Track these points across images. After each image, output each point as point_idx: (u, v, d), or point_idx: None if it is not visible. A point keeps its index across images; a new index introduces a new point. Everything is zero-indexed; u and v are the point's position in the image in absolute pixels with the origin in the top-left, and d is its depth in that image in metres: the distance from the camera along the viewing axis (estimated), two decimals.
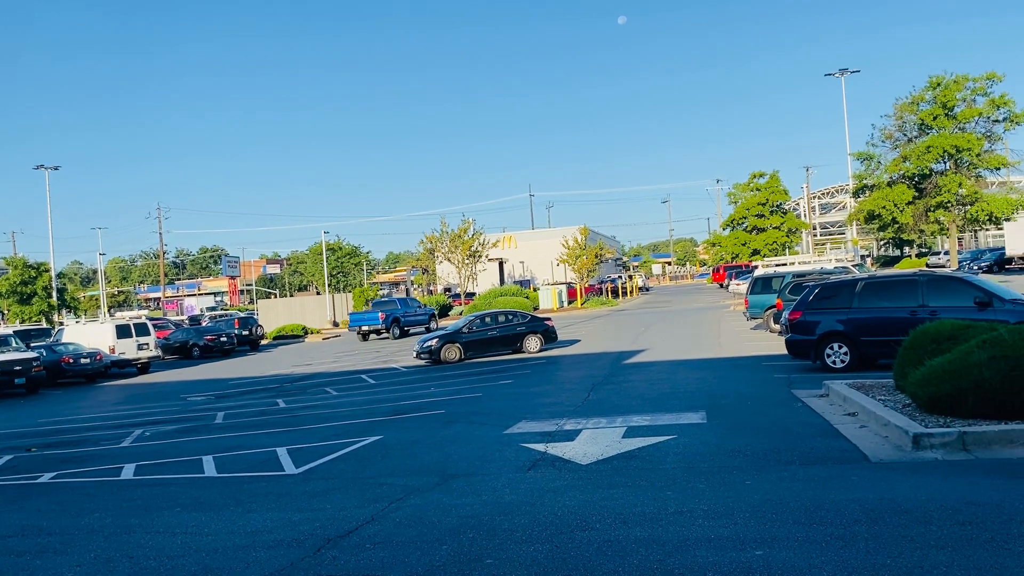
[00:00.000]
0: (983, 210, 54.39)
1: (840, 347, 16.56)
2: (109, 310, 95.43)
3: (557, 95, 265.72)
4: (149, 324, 37.32)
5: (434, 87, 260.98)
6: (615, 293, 68.49)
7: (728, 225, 79.83)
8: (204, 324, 52.00)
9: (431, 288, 78.29)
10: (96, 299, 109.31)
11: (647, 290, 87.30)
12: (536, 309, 54.59)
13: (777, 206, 76.05)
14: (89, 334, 34.78)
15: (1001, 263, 55.34)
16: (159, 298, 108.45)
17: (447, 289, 74.56)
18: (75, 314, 71.30)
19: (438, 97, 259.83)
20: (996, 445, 8.92)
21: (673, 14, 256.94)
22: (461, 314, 49.91)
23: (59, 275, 79.68)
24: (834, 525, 6.64)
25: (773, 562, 5.89)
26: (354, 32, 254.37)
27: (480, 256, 63.54)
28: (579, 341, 30.60)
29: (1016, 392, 9.28)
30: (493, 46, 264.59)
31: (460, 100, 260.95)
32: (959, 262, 57.82)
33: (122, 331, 34.61)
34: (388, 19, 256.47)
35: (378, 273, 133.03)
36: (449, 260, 64.11)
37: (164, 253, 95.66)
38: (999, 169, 56.36)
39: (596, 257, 67.00)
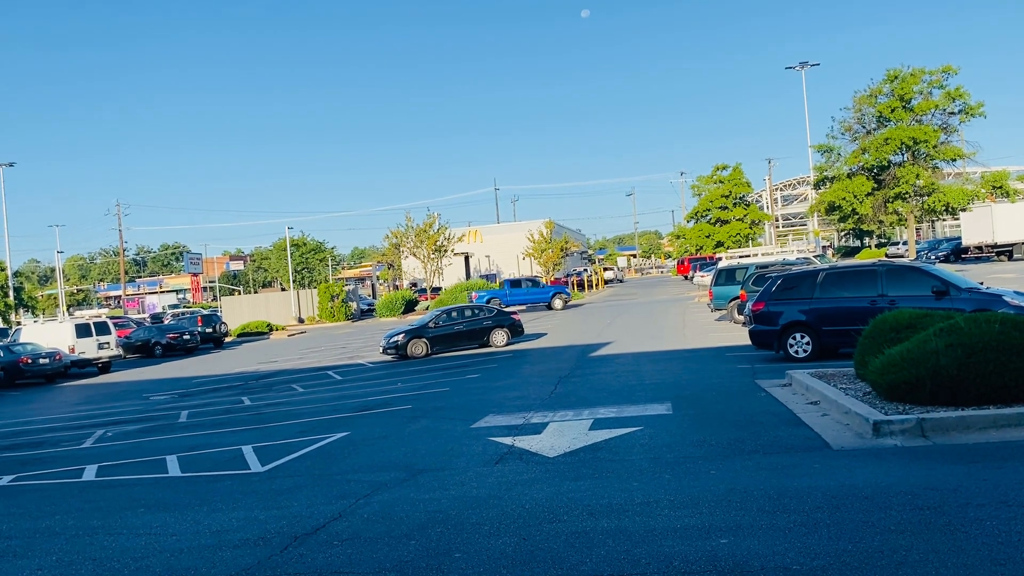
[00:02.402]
0: (940, 201, 55.40)
1: (802, 337, 16.79)
2: (68, 309, 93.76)
3: (522, 90, 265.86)
4: (109, 323, 36.77)
5: (399, 82, 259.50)
6: (581, 286, 68.75)
7: (692, 217, 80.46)
8: (166, 322, 51.33)
9: (397, 283, 77.97)
10: (54, 298, 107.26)
11: (621, 281, 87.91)
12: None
13: (740, 198, 76.78)
14: (48, 334, 34.17)
15: (958, 252, 56.47)
16: (119, 296, 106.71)
17: (413, 284, 74.27)
18: (33, 313, 69.95)
19: (402, 92, 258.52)
20: (953, 431, 9.12)
21: (636, 12, 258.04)
22: (427, 309, 49.80)
23: (15, 274, 78.06)
24: (797, 512, 6.75)
25: (738, 550, 5.97)
26: (318, 28, 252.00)
27: (446, 251, 63.36)
28: (545, 334, 30.69)
29: (972, 379, 9.48)
30: (458, 42, 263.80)
31: (424, 95, 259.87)
32: (917, 252, 58.90)
33: (82, 330, 34.05)
34: (353, 16, 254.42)
35: (343, 269, 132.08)
36: (415, 255, 63.82)
37: (124, 250, 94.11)
38: (955, 160, 57.45)
39: (562, 250, 67.18)
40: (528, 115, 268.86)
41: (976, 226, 53.68)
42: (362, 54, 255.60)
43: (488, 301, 47.19)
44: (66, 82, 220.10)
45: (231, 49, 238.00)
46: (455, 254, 68.24)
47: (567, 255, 72.07)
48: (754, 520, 6.66)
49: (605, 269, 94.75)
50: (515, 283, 49.34)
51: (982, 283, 17.34)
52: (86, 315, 39.19)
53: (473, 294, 49.09)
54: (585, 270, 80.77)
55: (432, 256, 62.31)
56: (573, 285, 67.24)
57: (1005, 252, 51.54)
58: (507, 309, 46.74)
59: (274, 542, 7.32)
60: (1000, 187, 56.91)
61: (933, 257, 55.19)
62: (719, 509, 7.08)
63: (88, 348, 33.82)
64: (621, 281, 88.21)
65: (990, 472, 7.53)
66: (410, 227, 63.48)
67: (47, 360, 31.35)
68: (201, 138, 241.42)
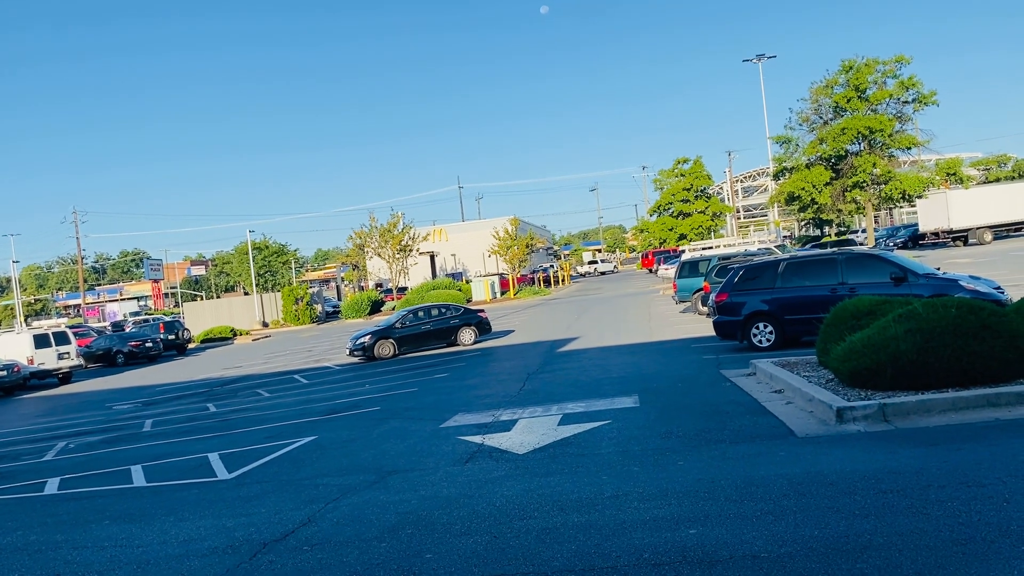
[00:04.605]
0: (896, 188, 56.29)
1: (765, 327, 16.98)
2: (26, 319, 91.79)
3: (482, 88, 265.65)
4: (69, 332, 36.08)
5: (358, 82, 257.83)
6: (547, 282, 68.90)
7: (655, 211, 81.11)
8: (128, 330, 50.52)
9: (362, 284, 77.47)
10: (11, 308, 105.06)
11: (615, 271, 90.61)
12: (469, 301, 54.57)
13: (701, 191, 77.54)
14: (5, 345, 33.43)
15: (915, 239, 57.49)
16: (79, 305, 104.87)
17: (379, 284, 73.89)
18: None
19: (362, 91, 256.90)
20: (914, 415, 9.28)
21: (594, 7, 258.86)
22: (394, 309, 49.60)
23: None
24: (764, 500, 6.83)
25: (707, 540, 6.03)
26: (273, 30, 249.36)
27: (411, 250, 63.09)
28: (513, 331, 30.71)
29: (931, 363, 9.66)
30: (416, 40, 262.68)
31: (384, 94, 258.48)
32: (876, 239, 59.83)
33: (40, 341, 33.40)
34: (310, 17, 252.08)
35: (307, 271, 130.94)
36: (379, 255, 63.48)
37: (82, 258, 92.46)
38: (910, 149, 58.35)
39: (527, 247, 67.22)
40: (489, 112, 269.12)
41: (932, 213, 54.68)
42: (321, 55, 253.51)
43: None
44: (18, 88, 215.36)
45: (187, 56, 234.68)
46: (420, 253, 68.02)
47: (533, 251, 72.17)
48: (722, 509, 6.73)
49: (591, 263, 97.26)
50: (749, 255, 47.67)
51: (939, 268, 17.67)
52: (44, 325, 38.33)
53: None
54: (551, 266, 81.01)
55: (397, 256, 62.02)
56: (540, 281, 67.41)
57: (961, 237, 52.57)
58: None
59: (243, 549, 7.24)
60: (954, 174, 57.98)
61: (891, 244, 56.17)
62: (687, 500, 7.14)
63: (47, 359, 33.18)
64: (615, 271, 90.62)
65: (950, 454, 7.67)
66: (374, 227, 63.14)
67: (4, 372, 30.68)
68: (159, 143, 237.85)
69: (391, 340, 26.34)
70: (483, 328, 27.65)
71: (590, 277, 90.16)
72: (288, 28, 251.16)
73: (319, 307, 61.39)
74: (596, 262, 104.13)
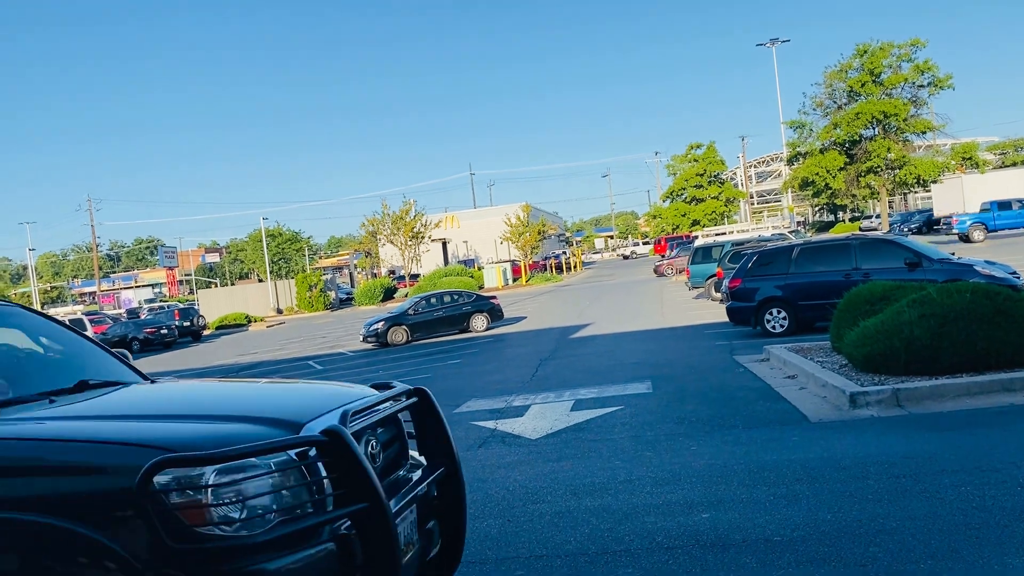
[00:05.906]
0: (911, 173, 55.94)
1: (779, 312, 16.94)
2: (42, 307, 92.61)
3: (494, 72, 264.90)
4: (85, 319, 36.51)
5: (369, 68, 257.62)
6: (559, 269, 68.87)
7: (668, 197, 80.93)
8: (143, 317, 50.88)
9: (375, 271, 77.69)
10: (28, 296, 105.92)
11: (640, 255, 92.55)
12: (481, 288, 54.63)
13: (715, 176, 77.28)
14: None
15: (930, 224, 57.11)
16: (94, 292, 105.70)
17: (391, 271, 74.05)
18: None
19: (375, 78, 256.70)
20: (928, 400, 9.26)
21: None
22: (406, 296, 49.76)
23: None
24: (777, 485, 6.84)
25: (719, 524, 6.05)
26: (282, 11, 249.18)
27: (423, 237, 63.15)
28: (525, 318, 30.74)
29: (945, 348, 9.62)
30: (427, 24, 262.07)
31: (396, 80, 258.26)
32: (890, 224, 59.48)
33: None
34: (317, 4, 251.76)
35: (320, 258, 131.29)
36: (392, 242, 63.58)
37: (97, 245, 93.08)
38: (925, 133, 57.97)
39: (539, 234, 67.19)
40: (501, 98, 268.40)
41: (947, 197, 54.30)
42: (332, 40, 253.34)
43: (970, 226, 43.46)
44: (34, 78, 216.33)
45: (198, 41, 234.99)
46: (432, 240, 68.08)
47: (544, 238, 72.14)
48: (735, 494, 6.75)
49: (635, 245, 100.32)
50: (1003, 204, 44.71)
51: (953, 254, 17.58)
52: (61, 312, 38.76)
53: (953, 219, 44.75)
54: (563, 252, 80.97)
55: (409, 243, 62.09)
56: (552, 268, 67.41)
57: None
58: (993, 233, 43.39)
59: None
60: (970, 158, 57.56)
61: (905, 229, 55.80)
62: (700, 484, 7.16)
63: None
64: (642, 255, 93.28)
65: (964, 439, 7.66)
66: (386, 214, 63.21)
67: None
68: (172, 131, 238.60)
69: (404, 327, 26.45)
70: (495, 314, 27.70)
71: (632, 258, 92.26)
72: (298, 18, 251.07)
73: (332, 294, 61.63)
74: (638, 244, 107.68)
